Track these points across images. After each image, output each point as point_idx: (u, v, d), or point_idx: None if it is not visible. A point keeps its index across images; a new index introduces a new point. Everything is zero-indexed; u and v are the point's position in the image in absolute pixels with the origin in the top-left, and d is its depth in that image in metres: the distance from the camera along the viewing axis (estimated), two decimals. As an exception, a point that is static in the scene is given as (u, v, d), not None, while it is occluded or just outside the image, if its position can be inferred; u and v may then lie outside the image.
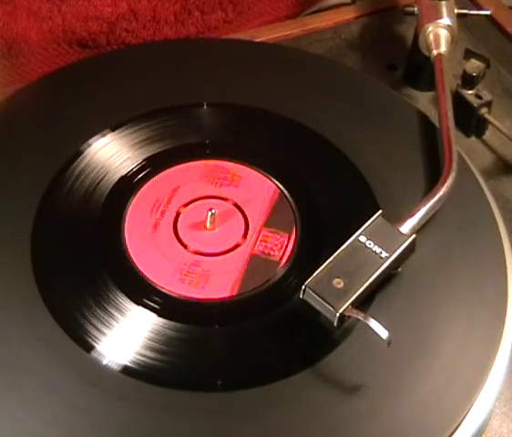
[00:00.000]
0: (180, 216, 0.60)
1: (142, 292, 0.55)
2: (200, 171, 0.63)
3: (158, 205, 0.60)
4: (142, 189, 0.61)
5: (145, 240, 0.58)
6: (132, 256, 0.57)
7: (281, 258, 0.57)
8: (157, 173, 0.62)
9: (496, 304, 0.55)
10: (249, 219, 0.60)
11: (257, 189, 0.62)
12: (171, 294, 0.55)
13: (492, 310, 0.55)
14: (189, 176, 0.62)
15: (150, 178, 0.62)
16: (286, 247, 0.58)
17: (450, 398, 0.51)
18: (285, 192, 0.62)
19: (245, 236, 0.59)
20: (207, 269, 0.57)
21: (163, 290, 0.55)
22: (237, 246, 0.58)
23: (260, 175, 0.63)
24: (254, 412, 0.50)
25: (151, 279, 0.56)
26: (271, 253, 0.57)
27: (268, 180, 0.62)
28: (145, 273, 0.56)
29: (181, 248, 0.58)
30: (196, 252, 0.58)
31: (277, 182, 0.62)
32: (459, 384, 0.51)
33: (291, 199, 0.61)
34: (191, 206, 0.61)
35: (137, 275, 0.56)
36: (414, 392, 0.51)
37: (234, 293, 0.55)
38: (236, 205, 0.61)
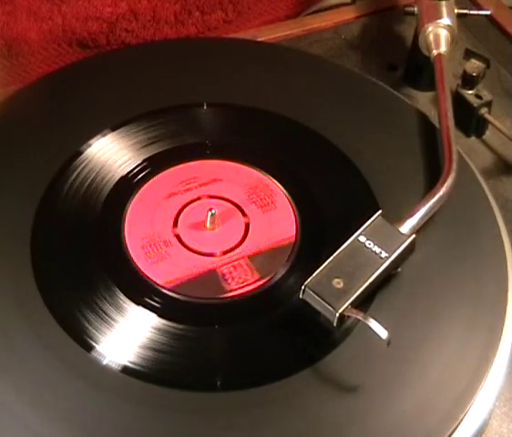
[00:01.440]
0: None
1: (142, 292, 0.55)
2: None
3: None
4: (142, 189, 0.61)
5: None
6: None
7: (232, 291, 0.56)
8: (157, 173, 0.62)
9: (496, 304, 0.55)
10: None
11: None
12: (171, 294, 0.55)
13: (492, 310, 0.55)
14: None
15: (150, 179, 0.62)
16: (245, 286, 0.56)
17: (450, 397, 0.51)
18: (285, 192, 0.62)
19: (227, 252, 0.58)
20: (169, 253, 0.57)
21: (163, 290, 0.55)
22: (211, 255, 0.58)
23: (260, 174, 0.63)
24: (254, 412, 0.50)
25: (151, 279, 0.56)
26: (228, 281, 0.56)
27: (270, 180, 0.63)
28: (145, 273, 0.56)
29: (171, 224, 0.58)
30: (176, 236, 0.58)
31: (277, 182, 0.62)
32: (459, 384, 0.51)
33: (291, 199, 0.61)
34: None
35: (137, 275, 0.56)
36: (413, 392, 0.51)
37: (167, 286, 0.55)
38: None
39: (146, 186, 0.61)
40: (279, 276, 0.57)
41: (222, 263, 0.57)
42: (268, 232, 0.59)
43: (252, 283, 0.56)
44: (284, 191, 0.62)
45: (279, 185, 0.62)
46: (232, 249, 0.58)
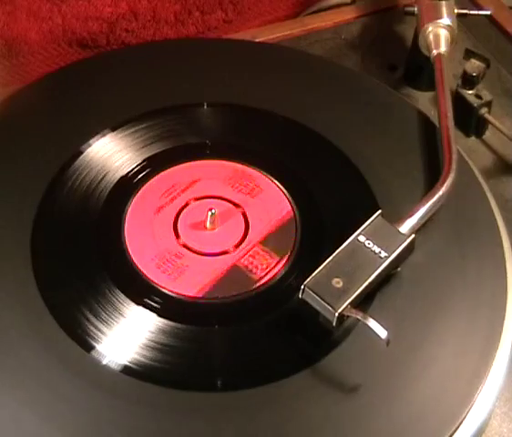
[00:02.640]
0: (186, 208, 0.60)
1: (142, 292, 0.55)
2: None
3: (169, 192, 0.61)
4: (142, 189, 0.61)
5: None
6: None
7: (261, 279, 0.56)
8: (157, 173, 0.62)
9: (495, 304, 0.55)
10: (249, 224, 0.60)
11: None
12: (171, 294, 0.55)
13: (492, 310, 0.55)
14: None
15: (150, 178, 0.62)
16: (270, 270, 0.57)
17: (450, 398, 0.51)
18: (285, 192, 0.62)
19: (238, 245, 0.58)
20: (185, 264, 0.57)
21: (163, 290, 0.55)
22: (225, 252, 0.58)
23: (269, 181, 0.63)
24: (254, 412, 0.50)
25: (151, 279, 0.56)
26: (253, 271, 0.57)
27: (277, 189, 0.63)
28: (145, 273, 0.56)
29: (173, 236, 0.58)
30: (184, 245, 0.58)
31: (277, 182, 0.62)
32: (459, 384, 0.51)
33: (291, 199, 0.61)
34: (197, 202, 0.61)
35: (137, 275, 0.56)
36: (413, 392, 0.51)
37: (200, 295, 0.55)
38: (243, 213, 0.61)
39: (146, 186, 0.61)
40: (279, 276, 0.57)
41: (239, 257, 0.57)
42: (266, 215, 0.60)
43: (276, 265, 0.57)
44: (284, 191, 0.62)
45: (279, 185, 0.62)
46: (242, 241, 0.58)
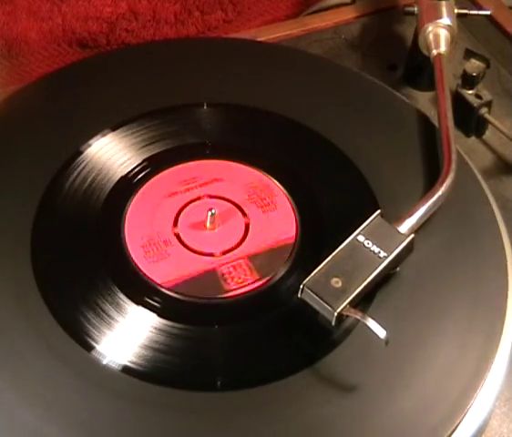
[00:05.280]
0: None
1: (142, 292, 0.55)
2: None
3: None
4: (142, 189, 0.61)
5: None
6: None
7: (231, 291, 0.56)
8: (157, 173, 0.62)
9: (496, 303, 0.55)
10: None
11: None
12: (171, 294, 0.55)
13: (492, 310, 0.55)
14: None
15: (150, 178, 0.62)
16: (244, 286, 0.56)
17: (450, 397, 0.51)
18: (285, 192, 0.62)
19: (226, 252, 0.58)
20: (168, 252, 0.57)
21: (163, 290, 0.55)
22: (210, 255, 0.58)
23: (260, 174, 0.63)
24: (254, 412, 0.50)
25: (151, 278, 0.56)
26: (228, 281, 0.56)
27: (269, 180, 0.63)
28: (145, 273, 0.56)
29: (171, 223, 0.58)
30: (176, 235, 0.58)
31: (277, 182, 0.62)
32: (459, 384, 0.51)
33: (291, 199, 0.61)
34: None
35: (137, 275, 0.56)
36: (413, 392, 0.51)
37: (166, 286, 0.55)
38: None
39: (146, 185, 0.62)
40: (279, 276, 0.57)
41: (222, 263, 0.57)
42: (268, 232, 0.59)
43: (252, 283, 0.56)
44: (284, 191, 0.62)
45: (279, 185, 0.62)
46: (232, 249, 0.58)
